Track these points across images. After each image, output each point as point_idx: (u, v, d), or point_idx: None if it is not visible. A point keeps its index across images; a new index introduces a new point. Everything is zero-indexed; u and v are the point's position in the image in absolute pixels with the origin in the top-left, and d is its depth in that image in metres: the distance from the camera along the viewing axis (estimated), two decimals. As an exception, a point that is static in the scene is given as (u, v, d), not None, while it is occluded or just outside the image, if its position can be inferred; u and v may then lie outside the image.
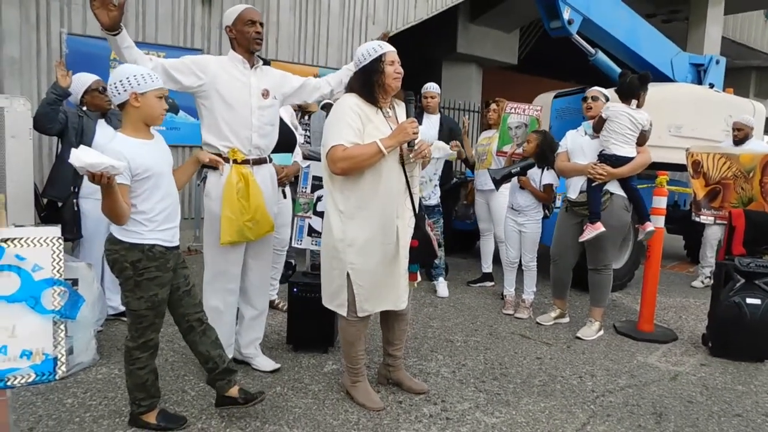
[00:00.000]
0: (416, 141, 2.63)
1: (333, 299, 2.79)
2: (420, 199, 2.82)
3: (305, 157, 4.55)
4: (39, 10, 5.38)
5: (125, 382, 2.47)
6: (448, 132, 5.00)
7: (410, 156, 2.65)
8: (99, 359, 3.20)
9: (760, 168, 4.98)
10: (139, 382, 2.42)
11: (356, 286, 2.68)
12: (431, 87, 5.05)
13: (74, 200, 3.46)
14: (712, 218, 5.36)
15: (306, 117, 5.17)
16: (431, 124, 4.99)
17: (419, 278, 3.03)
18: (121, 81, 2.24)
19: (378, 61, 2.64)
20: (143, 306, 2.35)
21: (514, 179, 4.38)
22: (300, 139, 4.82)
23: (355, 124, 2.59)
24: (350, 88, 2.77)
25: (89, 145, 3.46)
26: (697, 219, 5.47)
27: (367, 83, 2.66)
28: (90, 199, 3.50)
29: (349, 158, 2.54)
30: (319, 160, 3.71)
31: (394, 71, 2.64)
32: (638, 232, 4.11)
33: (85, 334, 3.10)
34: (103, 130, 3.55)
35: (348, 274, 2.68)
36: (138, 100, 2.25)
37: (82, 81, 3.53)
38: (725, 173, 5.17)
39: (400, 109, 2.81)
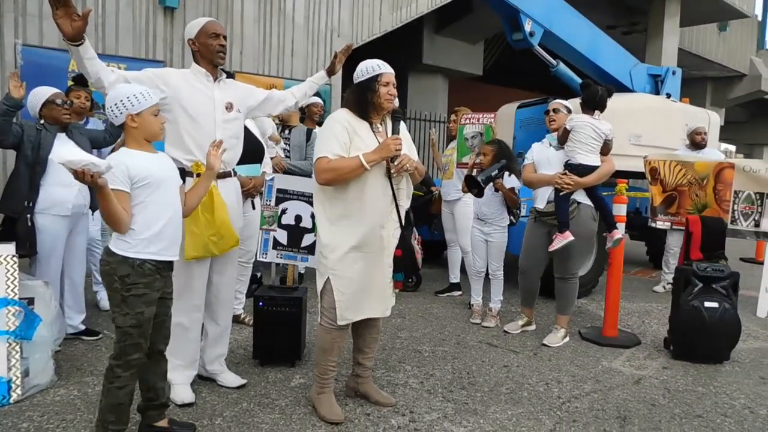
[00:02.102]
0: (399, 155, 2.68)
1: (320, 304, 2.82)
2: (408, 213, 2.88)
3: (285, 171, 4.53)
4: (-7, 21, 5.26)
5: (99, 401, 2.36)
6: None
7: (392, 171, 2.72)
8: (57, 380, 3.09)
9: (713, 176, 5.15)
10: (115, 403, 2.32)
11: (337, 292, 2.71)
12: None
13: (28, 215, 3.35)
14: (669, 224, 5.51)
15: (287, 131, 5.15)
16: None
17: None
18: (116, 104, 2.28)
19: (374, 80, 2.72)
20: (128, 323, 2.28)
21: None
22: (281, 152, 4.79)
23: (342, 137, 2.66)
24: (345, 101, 2.86)
25: (45, 159, 3.38)
26: (654, 225, 5.62)
27: (360, 99, 2.74)
28: (46, 215, 3.40)
29: (332, 170, 2.62)
30: (300, 174, 3.66)
31: (387, 92, 2.72)
32: (605, 240, 4.18)
33: (42, 355, 3.00)
34: (62, 143, 3.45)
35: (328, 279, 2.72)
36: (134, 120, 2.29)
37: (40, 94, 3.44)
38: (681, 180, 5.33)
39: (391, 124, 2.87)
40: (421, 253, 2.92)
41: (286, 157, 5.00)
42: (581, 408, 3.08)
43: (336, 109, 2.93)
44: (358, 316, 2.79)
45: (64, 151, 1.98)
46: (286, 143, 5.14)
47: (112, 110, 2.29)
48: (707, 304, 3.81)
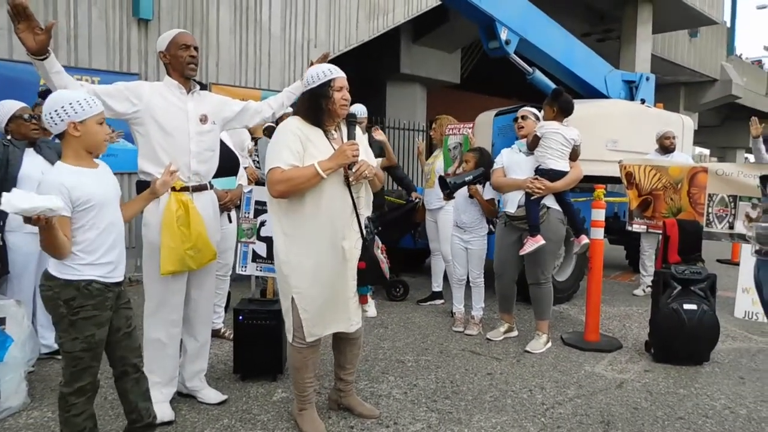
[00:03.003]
0: (357, 162, 2.59)
1: (286, 322, 2.74)
2: (368, 220, 2.78)
3: (258, 182, 4.48)
4: (-39, 35, 5.15)
5: (60, 430, 2.27)
6: (378, 150, 5.00)
7: (351, 179, 2.62)
8: (30, 402, 3.01)
9: (687, 180, 5.22)
10: (77, 431, 2.22)
11: (302, 311, 2.63)
12: (360, 110, 4.96)
13: None
14: (645, 227, 5.57)
15: (254, 142, 5.11)
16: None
17: (369, 300, 2.99)
18: (56, 110, 2.11)
19: (326, 86, 2.62)
20: (78, 347, 2.15)
21: (462, 194, 4.39)
22: (252, 164, 4.75)
23: (295, 146, 2.56)
24: (297, 110, 2.74)
25: (15, 176, 3.29)
26: (630, 228, 5.68)
27: (312, 107, 2.64)
28: (17, 233, 3.32)
29: (285, 181, 2.51)
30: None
31: (341, 98, 2.63)
32: (575, 245, 4.23)
33: (15, 377, 2.91)
34: (31, 159, 3.39)
35: (293, 299, 2.63)
36: (77, 128, 2.13)
37: (5, 108, 3.38)
38: (656, 184, 5.39)
39: (346, 130, 2.77)
40: (388, 262, 2.82)
41: (257, 168, 4.97)
42: (565, 414, 3.08)
43: None
44: (326, 330, 2.71)
45: (14, 198, 1.80)
46: (255, 155, 5.12)
47: (51, 117, 2.10)
48: (686, 306, 3.85)
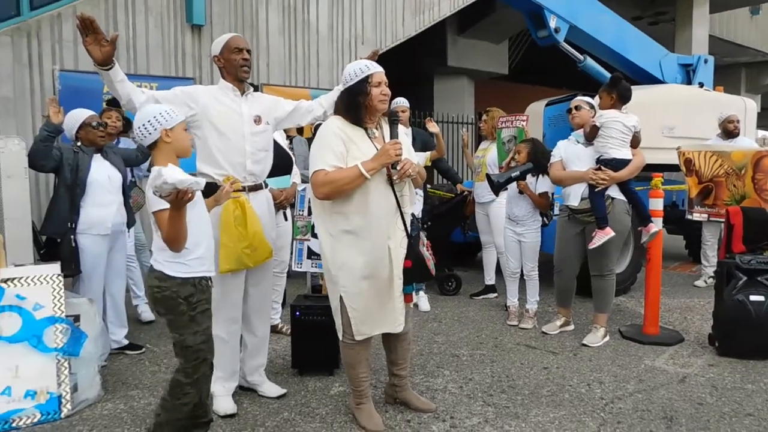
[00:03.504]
0: (401, 161, 2.58)
1: (336, 320, 2.79)
2: (413, 218, 2.78)
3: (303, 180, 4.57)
4: (31, 49, 5.44)
5: (156, 417, 2.36)
6: (421, 145, 4.99)
7: (395, 177, 2.62)
8: (104, 395, 3.18)
9: (751, 165, 5.00)
10: (176, 418, 2.34)
11: (350, 309, 2.66)
12: (400, 101, 5.00)
13: (71, 236, 3.46)
14: (706, 215, 5.37)
15: (289, 141, 5.20)
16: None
17: (415, 299, 2.98)
18: (149, 121, 2.27)
19: (364, 82, 2.60)
20: (199, 340, 2.30)
21: (513, 187, 4.38)
22: None
23: (338, 147, 2.56)
24: (336, 109, 2.76)
25: (84, 181, 3.47)
26: (690, 217, 5.48)
27: (352, 104, 2.63)
28: (87, 235, 3.50)
29: (330, 183, 2.52)
30: (308, 183, 3.59)
31: (380, 93, 2.61)
32: (641, 234, 4.10)
33: (89, 371, 3.08)
34: (98, 164, 3.56)
35: (341, 297, 2.67)
36: (169, 135, 2.29)
37: (75, 117, 3.55)
38: (717, 171, 5.19)
39: (388, 128, 2.78)
40: (434, 258, 2.81)
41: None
42: (625, 409, 3.02)
43: None
44: (374, 330, 2.72)
45: (170, 171, 1.99)
46: (291, 153, 5.19)
47: (144, 128, 2.26)
48: (753, 297, 3.69)
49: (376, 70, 2.63)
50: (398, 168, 2.58)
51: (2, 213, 3.39)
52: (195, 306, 2.29)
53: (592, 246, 3.89)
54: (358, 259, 2.61)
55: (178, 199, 2.00)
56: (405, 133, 4.93)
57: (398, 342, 2.92)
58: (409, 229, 2.72)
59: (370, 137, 2.66)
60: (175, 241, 2.19)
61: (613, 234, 3.81)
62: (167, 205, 2.08)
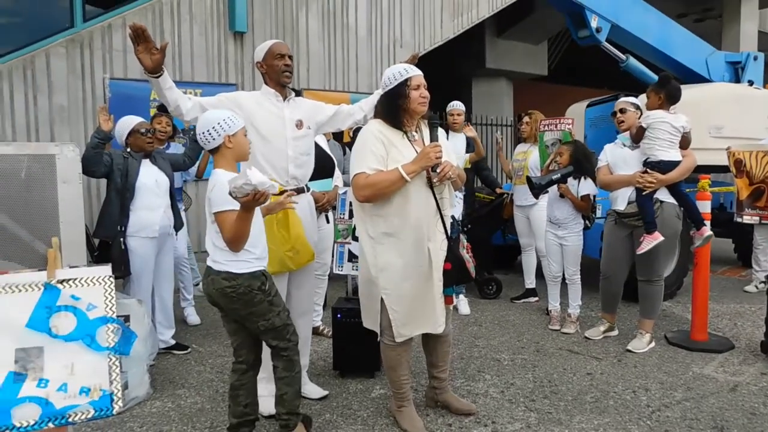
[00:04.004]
0: (440, 163, 2.59)
1: (373, 323, 2.81)
2: (453, 221, 2.78)
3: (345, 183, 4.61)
4: (83, 59, 5.65)
5: (282, 396, 2.52)
6: (466, 146, 4.99)
7: (435, 180, 2.63)
8: (152, 393, 3.28)
9: (807, 165, 4.80)
10: (297, 387, 2.56)
11: (391, 311, 2.68)
12: (456, 105, 5.02)
13: (121, 239, 3.58)
14: (757, 218, 5.18)
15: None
16: (459, 141, 4.96)
17: (455, 302, 2.98)
18: (213, 127, 2.37)
19: (403, 85, 2.63)
20: (285, 317, 2.50)
21: (554, 190, 4.33)
22: None
23: (378, 151, 2.60)
24: (376, 112, 2.79)
25: (133, 185, 3.60)
26: (740, 220, 5.30)
27: (391, 108, 2.66)
28: (136, 237, 3.62)
29: (371, 186, 2.56)
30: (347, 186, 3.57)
31: (419, 96, 2.63)
32: (693, 238, 3.99)
33: (139, 369, 3.19)
34: (147, 169, 3.68)
35: (382, 299, 2.69)
36: (231, 141, 2.40)
37: (126, 124, 3.68)
38: (769, 171, 5.00)
39: (427, 131, 2.80)
40: (473, 260, 2.81)
41: None
42: (673, 417, 2.95)
43: None
44: (414, 331, 2.73)
45: (255, 174, 2.06)
46: None
47: (208, 133, 2.36)
48: (808, 304, 3.55)
49: (415, 73, 2.66)
50: (438, 171, 2.59)
51: (58, 216, 3.53)
52: (269, 291, 2.44)
53: (640, 251, 3.80)
54: (398, 261, 2.64)
55: (254, 200, 2.09)
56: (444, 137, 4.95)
57: (438, 344, 2.93)
58: (449, 231, 2.74)
59: (410, 140, 2.69)
60: (238, 241, 2.29)
61: (662, 239, 3.72)
62: (235, 206, 2.18)
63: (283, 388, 2.52)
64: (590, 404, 3.11)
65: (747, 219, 5.31)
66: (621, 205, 3.95)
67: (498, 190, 5.70)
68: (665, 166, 3.74)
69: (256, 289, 2.39)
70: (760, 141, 5.62)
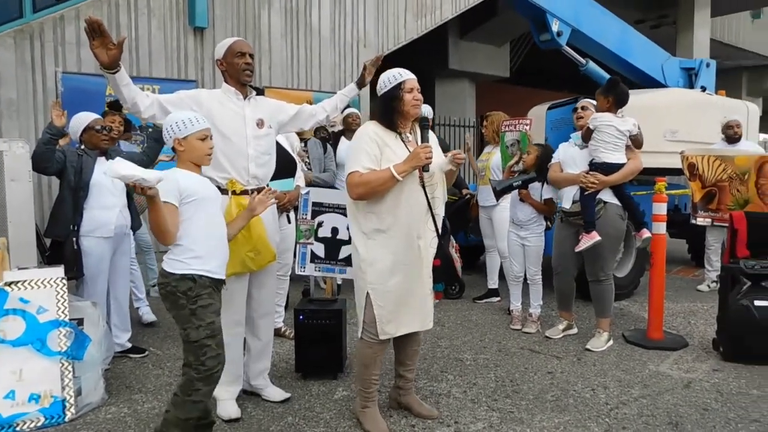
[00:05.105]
0: (431, 165, 2.67)
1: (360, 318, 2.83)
2: (444, 220, 2.84)
3: (309, 184, 4.56)
4: (33, 51, 5.44)
5: (165, 413, 2.37)
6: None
7: (425, 180, 2.72)
8: (107, 398, 3.17)
9: (755, 170, 5.00)
10: (185, 417, 2.33)
11: (376, 306, 2.70)
12: (425, 110, 4.99)
13: (74, 238, 3.45)
14: (710, 220, 5.36)
15: (303, 144, 5.20)
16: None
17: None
18: (166, 129, 2.41)
19: (397, 88, 2.72)
20: (203, 335, 2.30)
21: (515, 192, 4.39)
22: (303, 166, 4.84)
23: (372, 150, 2.66)
24: (372, 114, 2.84)
25: (88, 183, 3.47)
26: (695, 221, 5.48)
27: (386, 110, 2.75)
28: (91, 237, 3.50)
29: (364, 184, 2.62)
30: (323, 186, 3.58)
31: (412, 98, 2.72)
32: (634, 239, 4.11)
33: (93, 374, 3.08)
34: (102, 168, 3.55)
35: (368, 294, 2.71)
36: (181, 144, 2.40)
37: (79, 120, 3.55)
38: (720, 175, 5.18)
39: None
40: (461, 261, 2.88)
41: (309, 170, 5.04)
42: (630, 414, 3.01)
43: (366, 121, 2.94)
44: (400, 330, 2.77)
45: (116, 165, 2.03)
46: (306, 156, 5.20)
47: (165, 133, 2.42)
48: (757, 302, 3.69)
49: (409, 77, 2.76)
50: (429, 170, 2.68)
51: (6, 216, 3.38)
52: (195, 300, 2.31)
53: (577, 249, 3.91)
54: (388, 256, 2.69)
55: (141, 191, 2.08)
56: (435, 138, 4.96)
57: (410, 341, 2.95)
58: (440, 230, 2.81)
59: (404, 141, 2.77)
60: (158, 233, 2.27)
61: (598, 239, 3.81)
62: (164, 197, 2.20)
63: (169, 407, 2.36)
64: (551, 403, 3.15)
65: (700, 221, 5.49)
66: (566, 204, 4.04)
67: (464, 191, 5.74)
68: (608, 168, 3.83)
69: (181, 293, 2.30)
70: (713, 145, 5.82)
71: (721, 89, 6.93)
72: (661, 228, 4.09)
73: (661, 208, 4.14)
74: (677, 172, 5.80)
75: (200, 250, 2.35)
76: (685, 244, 7.47)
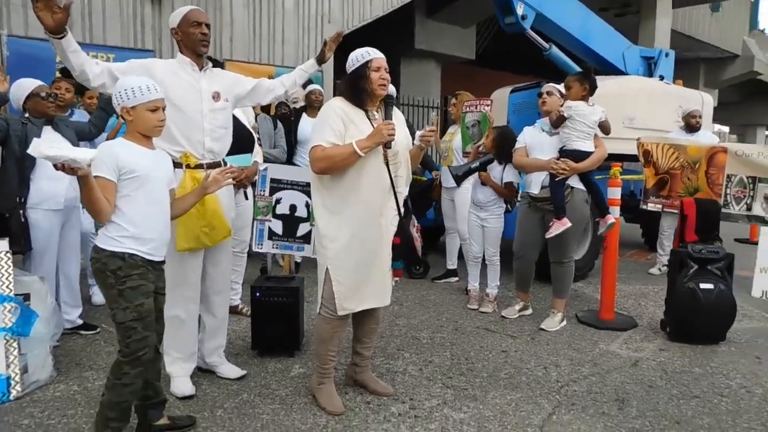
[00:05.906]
0: (393, 142, 2.66)
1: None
2: (406, 200, 2.85)
3: (264, 159, 4.48)
4: (-22, 13, 5.16)
5: (101, 396, 2.31)
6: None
7: (390, 156, 2.71)
8: (56, 376, 3.08)
9: (705, 160, 5.17)
10: (118, 401, 2.27)
11: (335, 282, 2.70)
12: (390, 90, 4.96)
13: (21, 211, 3.31)
14: (660, 206, 5.53)
15: (254, 118, 5.10)
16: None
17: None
18: (115, 95, 2.29)
19: (364, 67, 2.70)
20: (129, 317, 2.22)
21: (477, 174, 4.42)
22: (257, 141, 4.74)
23: (337, 126, 2.64)
24: (339, 91, 2.84)
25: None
26: (645, 207, 5.63)
27: (353, 87, 2.73)
28: (38, 210, 3.36)
29: (325, 158, 2.60)
30: (273, 162, 3.49)
31: (379, 77, 2.70)
32: (598, 224, 4.19)
33: (41, 351, 2.98)
34: (49, 137, 3.40)
35: (327, 269, 2.70)
36: (129, 113, 2.27)
37: (23, 87, 3.38)
38: (673, 163, 5.34)
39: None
40: (421, 240, 2.89)
41: (259, 145, 4.96)
42: (579, 391, 3.10)
43: (330, 98, 2.91)
44: (359, 306, 2.77)
45: (41, 144, 1.90)
46: (257, 132, 5.12)
47: (114, 99, 2.30)
48: (702, 285, 3.83)
49: (376, 56, 2.74)
50: (392, 147, 2.67)
51: (-55, 186, 3.22)
52: (124, 280, 2.22)
53: (549, 235, 3.97)
54: (348, 232, 2.69)
55: (70, 172, 1.97)
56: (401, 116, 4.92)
57: (368, 318, 2.96)
58: (401, 208, 2.82)
59: (369, 119, 2.75)
60: (91, 211, 2.18)
61: (569, 225, 3.88)
62: (97, 172, 2.12)
63: (105, 392, 2.29)
64: (504, 380, 3.22)
65: (651, 207, 5.66)
66: (535, 189, 4.08)
67: (434, 173, 5.75)
68: (579, 155, 3.89)
69: (110, 272, 2.21)
70: (668, 134, 5.97)
71: (678, 79, 7.09)
72: (615, 212, 4.19)
73: (615, 192, 4.23)
74: (633, 158, 5.94)
75: (136, 229, 2.24)
76: (639, 228, 7.68)
